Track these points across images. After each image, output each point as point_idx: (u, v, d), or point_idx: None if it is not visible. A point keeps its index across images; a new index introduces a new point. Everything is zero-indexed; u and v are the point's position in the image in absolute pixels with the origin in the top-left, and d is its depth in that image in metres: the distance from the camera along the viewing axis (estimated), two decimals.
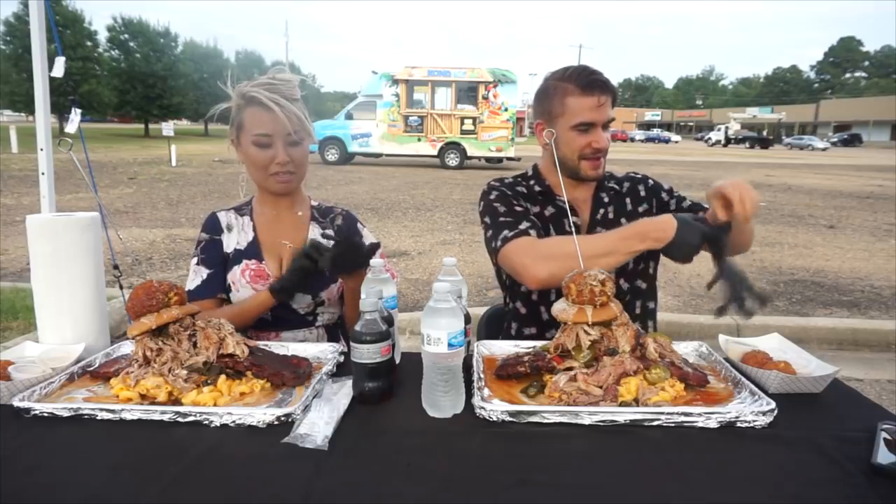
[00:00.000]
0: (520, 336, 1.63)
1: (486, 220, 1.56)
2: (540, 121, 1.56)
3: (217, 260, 1.52)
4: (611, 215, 1.61)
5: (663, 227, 1.30)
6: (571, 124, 1.48)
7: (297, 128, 1.44)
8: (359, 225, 1.64)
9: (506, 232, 1.48)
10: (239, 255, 1.51)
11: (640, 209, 1.65)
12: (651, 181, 1.71)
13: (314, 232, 1.58)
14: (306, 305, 1.52)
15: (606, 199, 1.62)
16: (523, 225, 1.48)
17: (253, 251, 1.52)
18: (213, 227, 1.56)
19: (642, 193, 1.67)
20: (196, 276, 1.50)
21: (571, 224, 1.43)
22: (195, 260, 1.52)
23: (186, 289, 1.47)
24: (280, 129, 1.41)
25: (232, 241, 1.54)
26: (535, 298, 1.59)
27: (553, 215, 1.59)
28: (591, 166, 1.52)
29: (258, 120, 1.42)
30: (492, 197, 1.57)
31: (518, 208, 1.54)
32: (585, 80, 1.47)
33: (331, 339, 1.57)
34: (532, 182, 1.63)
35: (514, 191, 1.60)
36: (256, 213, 1.58)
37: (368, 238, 1.60)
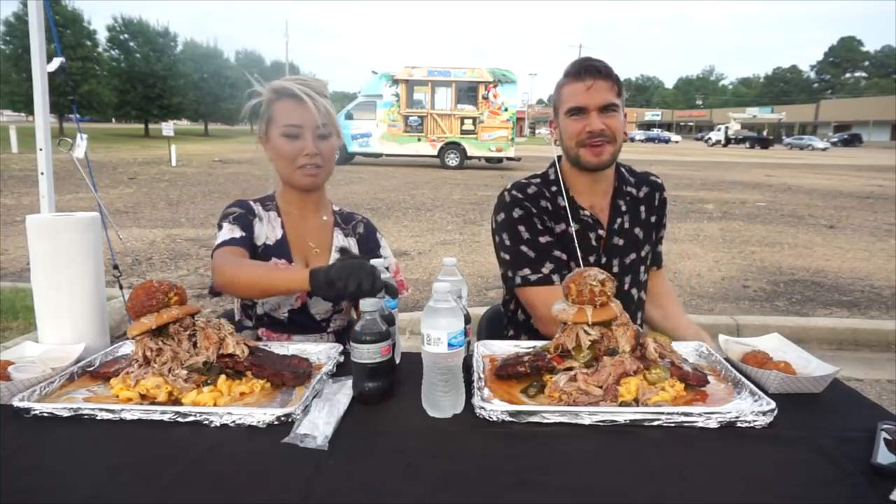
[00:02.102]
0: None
1: (506, 239, 1.51)
2: (551, 119, 1.58)
3: (250, 229, 1.45)
4: (626, 225, 1.60)
5: None
6: (565, 111, 1.49)
7: (327, 122, 1.43)
8: (378, 235, 1.63)
9: (527, 271, 1.48)
10: (268, 251, 1.48)
11: (652, 219, 1.65)
12: (665, 194, 1.70)
13: (339, 238, 1.56)
14: (324, 312, 1.51)
15: (624, 208, 1.60)
16: (546, 268, 1.47)
17: (282, 250, 1.49)
18: (246, 207, 1.49)
19: (656, 203, 1.67)
20: (230, 233, 1.41)
21: (596, 238, 1.48)
22: (227, 222, 1.43)
23: (220, 241, 1.40)
24: (310, 121, 1.41)
25: (262, 233, 1.49)
26: None
27: (577, 232, 1.53)
28: (590, 153, 1.48)
29: (288, 111, 1.42)
30: (515, 215, 1.52)
31: (542, 239, 1.50)
32: (576, 66, 1.48)
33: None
34: (555, 189, 1.57)
35: (539, 207, 1.54)
36: (283, 213, 1.53)
37: (386, 249, 1.60)
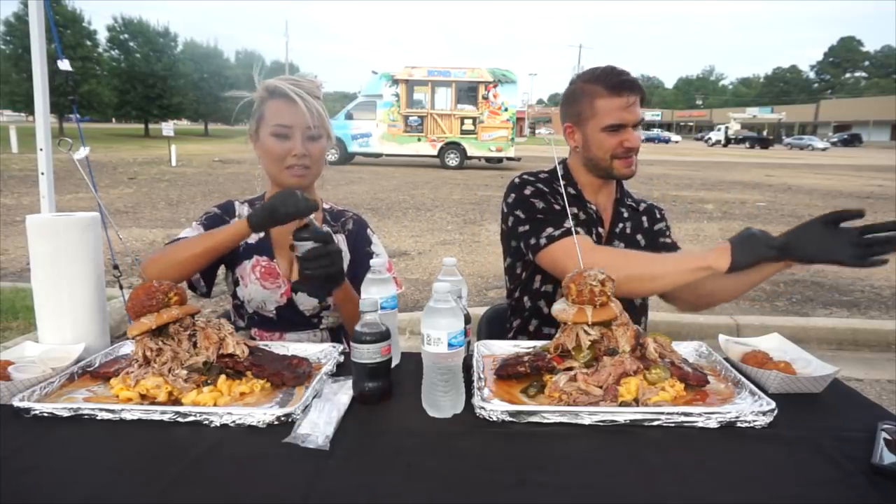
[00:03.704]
0: (521, 332, 1.63)
1: (520, 213, 1.52)
2: (569, 123, 1.55)
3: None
4: (628, 230, 1.62)
5: (720, 256, 1.26)
6: (602, 126, 1.47)
7: (317, 123, 1.43)
8: (368, 231, 1.62)
9: (550, 230, 1.46)
10: (249, 250, 1.50)
11: (656, 227, 1.69)
12: (665, 211, 1.76)
13: None
14: (312, 308, 1.51)
15: (626, 215, 1.64)
16: (567, 223, 1.46)
17: (264, 248, 1.51)
18: (227, 209, 1.55)
19: (657, 216, 1.71)
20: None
21: (596, 234, 1.46)
22: (197, 221, 1.51)
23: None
24: (300, 122, 1.41)
25: None
26: (546, 290, 1.59)
27: (583, 221, 1.57)
28: (623, 164, 1.51)
29: (279, 111, 1.42)
30: (527, 192, 1.54)
31: (557, 206, 1.51)
32: (614, 80, 1.46)
33: (334, 341, 1.56)
34: (563, 183, 1.56)
35: (551, 187, 1.56)
36: None
37: (377, 246, 1.59)
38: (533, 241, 1.48)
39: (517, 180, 1.59)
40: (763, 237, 1.24)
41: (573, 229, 1.38)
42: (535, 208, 1.51)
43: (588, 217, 1.58)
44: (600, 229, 1.59)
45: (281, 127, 1.41)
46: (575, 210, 1.55)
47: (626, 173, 1.53)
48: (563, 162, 1.65)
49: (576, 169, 1.62)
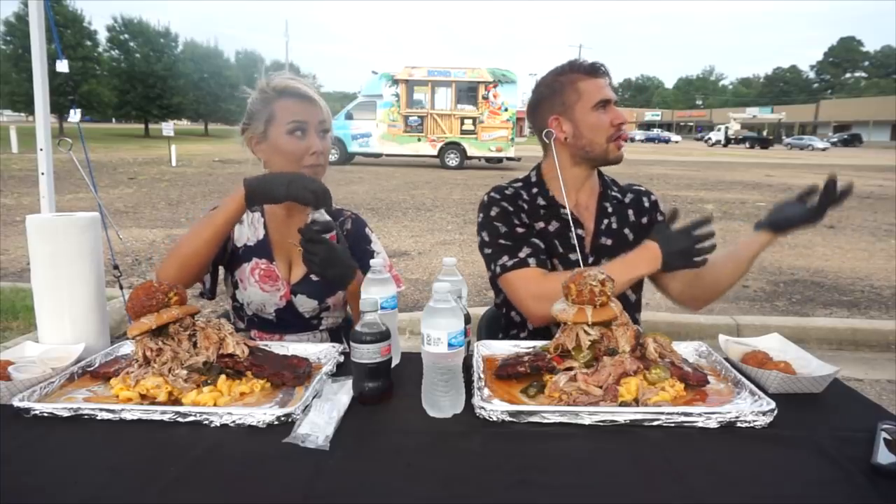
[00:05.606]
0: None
1: (485, 236, 1.54)
2: (555, 115, 1.53)
3: None
4: (614, 225, 1.60)
5: (650, 255, 1.35)
6: (592, 104, 1.49)
7: (328, 117, 1.44)
8: (366, 230, 1.61)
9: (505, 259, 1.48)
10: (249, 252, 1.50)
11: (643, 220, 1.65)
12: (654, 196, 1.71)
13: None
14: (311, 310, 1.51)
15: (610, 209, 1.61)
16: (523, 252, 1.48)
17: (263, 250, 1.50)
18: None
19: (645, 205, 1.67)
20: None
21: (575, 238, 1.45)
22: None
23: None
24: (315, 117, 1.41)
25: (243, 235, 1.51)
26: None
27: (557, 230, 1.56)
28: (617, 146, 1.53)
29: (293, 108, 1.41)
30: (492, 213, 1.54)
31: (519, 229, 1.52)
32: (587, 65, 1.52)
33: (334, 342, 1.56)
34: (535, 191, 1.59)
35: (516, 205, 1.56)
36: (268, 212, 1.55)
37: (376, 244, 1.59)
38: (492, 266, 1.52)
39: (486, 199, 1.58)
40: (690, 242, 1.32)
41: (528, 258, 1.45)
42: (497, 232, 1.52)
43: (562, 224, 1.55)
44: (580, 231, 1.56)
45: (298, 123, 1.40)
46: (542, 224, 1.55)
47: (620, 155, 1.54)
48: (538, 167, 1.63)
49: (550, 173, 1.58)
